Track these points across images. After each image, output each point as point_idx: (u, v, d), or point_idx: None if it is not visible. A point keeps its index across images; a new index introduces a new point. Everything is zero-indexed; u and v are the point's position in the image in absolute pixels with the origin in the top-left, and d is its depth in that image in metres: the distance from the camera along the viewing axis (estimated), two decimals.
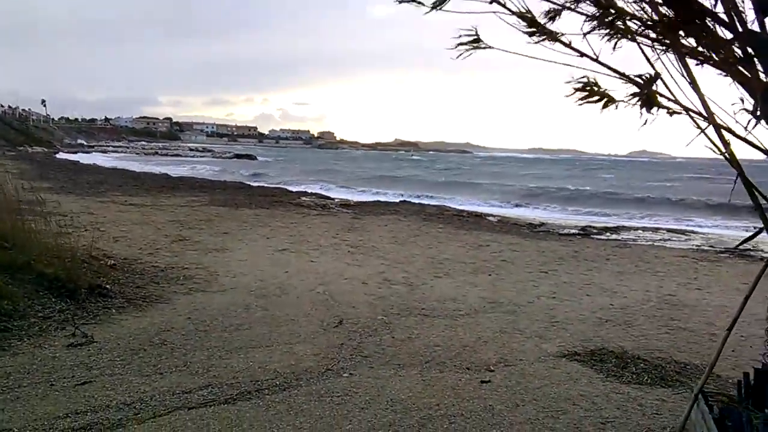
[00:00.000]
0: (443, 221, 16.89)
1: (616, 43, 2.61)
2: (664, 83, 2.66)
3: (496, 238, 13.97)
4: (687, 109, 2.68)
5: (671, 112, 2.68)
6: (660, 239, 15.51)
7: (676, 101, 2.67)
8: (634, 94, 2.62)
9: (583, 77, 2.65)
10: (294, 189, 27.93)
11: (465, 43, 2.75)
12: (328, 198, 23.13)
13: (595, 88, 2.66)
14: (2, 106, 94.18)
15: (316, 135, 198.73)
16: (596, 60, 2.67)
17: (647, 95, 2.59)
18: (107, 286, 7.02)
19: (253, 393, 4.54)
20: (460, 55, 2.77)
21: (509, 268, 10.14)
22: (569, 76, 2.65)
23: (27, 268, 6.64)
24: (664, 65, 2.66)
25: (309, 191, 27.00)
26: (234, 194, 21.99)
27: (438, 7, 2.68)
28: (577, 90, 2.66)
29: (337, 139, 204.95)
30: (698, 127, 2.71)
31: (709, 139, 2.74)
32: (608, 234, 16.28)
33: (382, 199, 25.75)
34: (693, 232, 17.81)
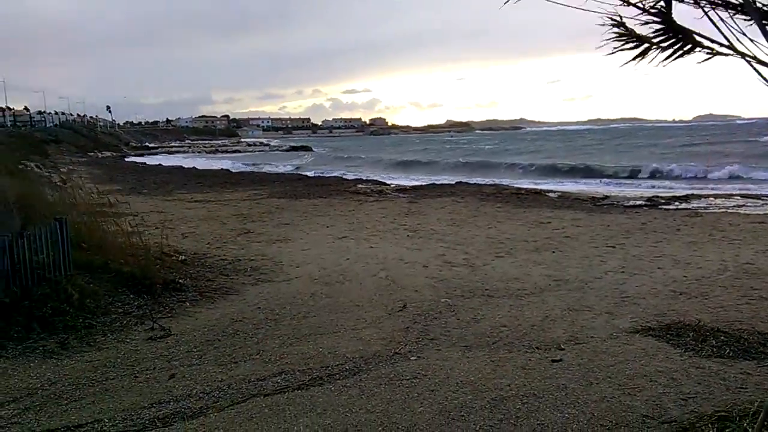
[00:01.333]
0: (501, 200, 16.63)
1: None
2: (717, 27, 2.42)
3: (557, 214, 13.64)
4: (737, 51, 2.40)
5: (713, 53, 2.47)
6: (734, 206, 14.71)
7: (718, 43, 2.42)
8: (660, 32, 2.42)
9: (615, 16, 2.50)
10: (350, 177, 28.21)
11: None
12: (384, 184, 23.17)
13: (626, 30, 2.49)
14: (72, 114, 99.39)
15: (368, 122, 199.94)
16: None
17: (679, 33, 2.39)
18: (180, 281, 7.33)
19: (324, 378, 4.65)
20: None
21: (573, 245, 9.89)
22: (602, 19, 2.49)
23: (105, 267, 7.03)
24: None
25: (364, 178, 27.18)
26: (292, 186, 22.39)
27: None
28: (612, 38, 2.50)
29: (389, 124, 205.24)
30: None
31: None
32: (677, 203, 15.56)
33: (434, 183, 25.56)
34: None
